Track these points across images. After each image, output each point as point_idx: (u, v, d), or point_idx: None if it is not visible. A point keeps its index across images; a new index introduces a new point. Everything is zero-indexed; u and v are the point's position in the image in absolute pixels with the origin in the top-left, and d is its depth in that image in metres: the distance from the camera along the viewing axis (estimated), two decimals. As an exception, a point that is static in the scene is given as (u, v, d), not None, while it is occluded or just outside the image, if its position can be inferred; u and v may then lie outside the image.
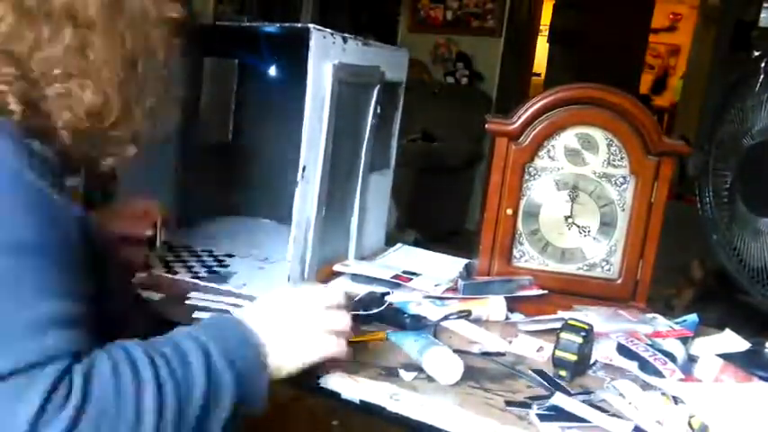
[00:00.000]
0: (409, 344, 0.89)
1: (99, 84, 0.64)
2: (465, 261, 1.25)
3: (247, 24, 1.14)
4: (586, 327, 0.87)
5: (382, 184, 1.35)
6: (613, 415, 0.77)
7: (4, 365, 0.50)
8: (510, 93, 4.53)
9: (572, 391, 0.83)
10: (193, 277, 1.12)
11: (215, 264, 1.20)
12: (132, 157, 0.71)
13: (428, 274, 1.15)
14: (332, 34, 1.02)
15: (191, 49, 1.29)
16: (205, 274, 1.14)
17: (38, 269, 0.55)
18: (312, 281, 1.08)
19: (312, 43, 0.97)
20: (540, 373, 0.87)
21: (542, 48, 5.72)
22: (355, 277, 1.13)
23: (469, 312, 1.01)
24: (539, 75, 6.17)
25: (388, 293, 1.07)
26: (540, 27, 5.21)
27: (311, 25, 0.97)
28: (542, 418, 0.76)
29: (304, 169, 1.02)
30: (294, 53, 1.38)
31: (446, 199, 4.22)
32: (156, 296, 1.02)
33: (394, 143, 1.34)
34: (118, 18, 0.66)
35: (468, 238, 3.96)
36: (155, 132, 0.73)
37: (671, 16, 8.12)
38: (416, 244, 1.45)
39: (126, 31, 0.67)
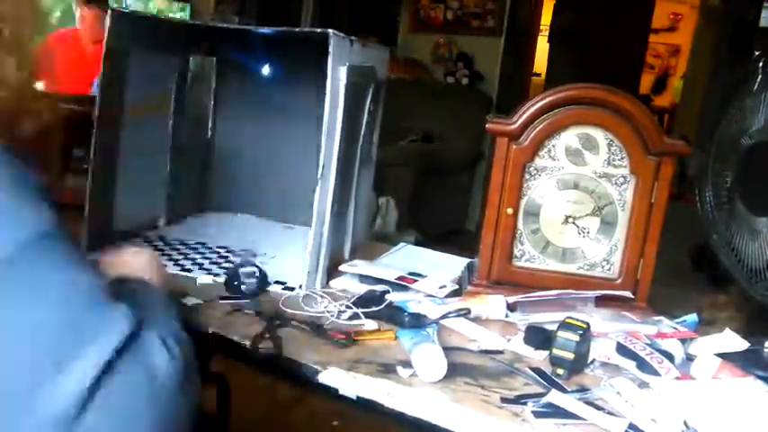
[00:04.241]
0: (406, 340, 0.90)
1: None
2: (467, 260, 1.26)
3: (269, 28, 1.15)
4: (584, 325, 0.88)
5: (368, 178, 1.38)
6: (609, 413, 0.78)
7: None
8: (510, 93, 4.53)
9: (568, 389, 0.83)
10: (209, 274, 1.14)
11: (221, 261, 1.21)
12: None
13: (432, 274, 1.16)
14: (343, 38, 1.04)
15: (175, 48, 1.32)
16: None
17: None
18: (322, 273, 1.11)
19: (331, 48, 1.00)
20: (538, 371, 0.88)
21: (542, 48, 5.71)
22: (362, 278, 1.13)
23: (468, 310, 1.01)
24: (539, 75, 6.18)
25: (388, 291, 1.07)
26: (540, 27, 5.21)
27: (331, 30, 1.00)
28: (537, 414, 0.76)
29: (323, 168, 1.05)
30: (282, 53, 1.41)
31: (446, 199, 4.22)
32: (192, 300, 1.01)
33: (376, 138, 1.37)
34: None
35: (468, 239, 3.96)
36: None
37: (671, 16, 8.13)
38: (417, 245, 1.46)
39: None
